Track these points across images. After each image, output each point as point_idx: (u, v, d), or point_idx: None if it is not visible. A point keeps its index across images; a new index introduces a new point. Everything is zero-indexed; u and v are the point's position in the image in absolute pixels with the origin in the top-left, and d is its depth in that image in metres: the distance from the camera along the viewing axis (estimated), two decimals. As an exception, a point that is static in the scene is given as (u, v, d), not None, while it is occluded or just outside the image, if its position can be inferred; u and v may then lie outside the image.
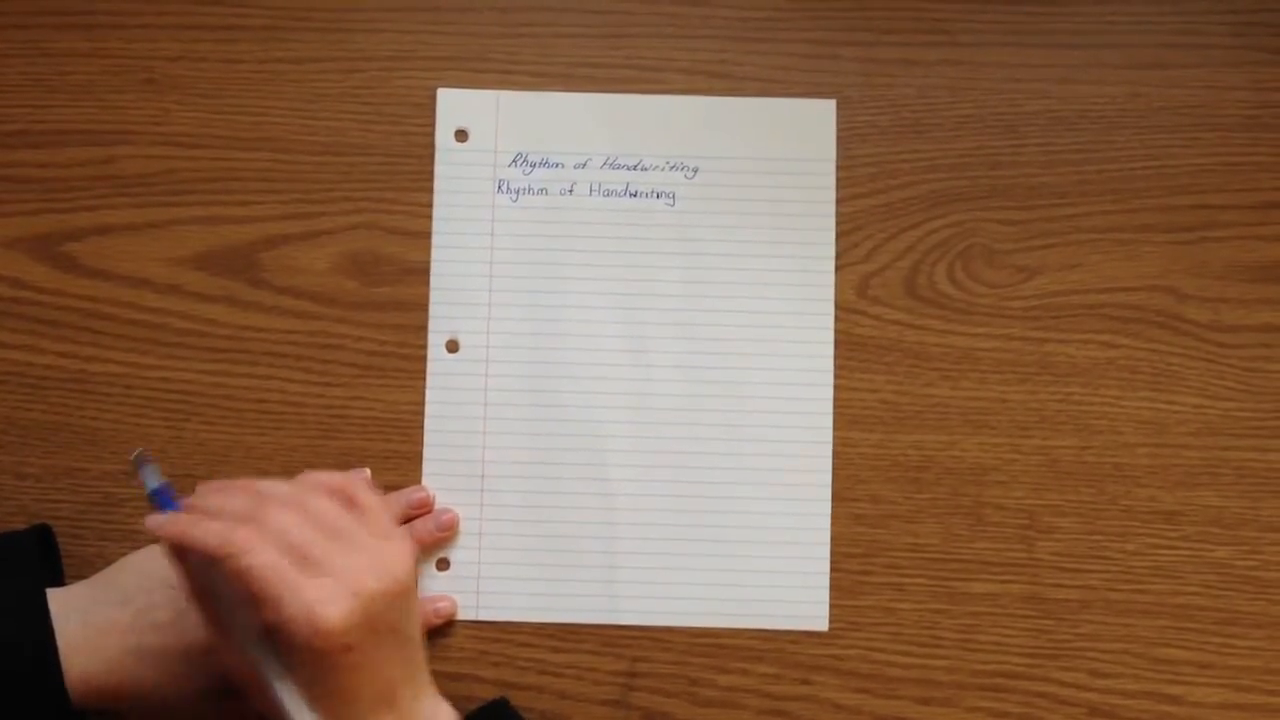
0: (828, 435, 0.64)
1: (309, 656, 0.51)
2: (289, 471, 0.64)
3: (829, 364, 0.65)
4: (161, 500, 0.56)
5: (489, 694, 0.63)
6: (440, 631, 0.64)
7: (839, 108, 0.66)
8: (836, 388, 0.65)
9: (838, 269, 0.65)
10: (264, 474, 0.64)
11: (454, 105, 0.67)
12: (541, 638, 0.64)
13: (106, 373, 0.66)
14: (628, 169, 0.67)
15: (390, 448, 0.65)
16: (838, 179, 0.66)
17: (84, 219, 0.66)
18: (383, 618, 0.53)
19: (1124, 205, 0.65)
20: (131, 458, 0.59)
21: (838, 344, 0.65)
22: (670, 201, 0.67)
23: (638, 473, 0.65)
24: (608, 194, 0.67)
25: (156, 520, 0.53)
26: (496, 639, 0.64)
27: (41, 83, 0.67)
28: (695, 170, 0.67)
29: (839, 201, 0.66)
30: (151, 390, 0.65)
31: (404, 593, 0.54)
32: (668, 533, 0.64)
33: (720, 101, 0.67)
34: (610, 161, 0.67)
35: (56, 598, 0.59)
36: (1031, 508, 0.64)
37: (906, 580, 0.64)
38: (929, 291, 0.65)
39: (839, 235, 0.66)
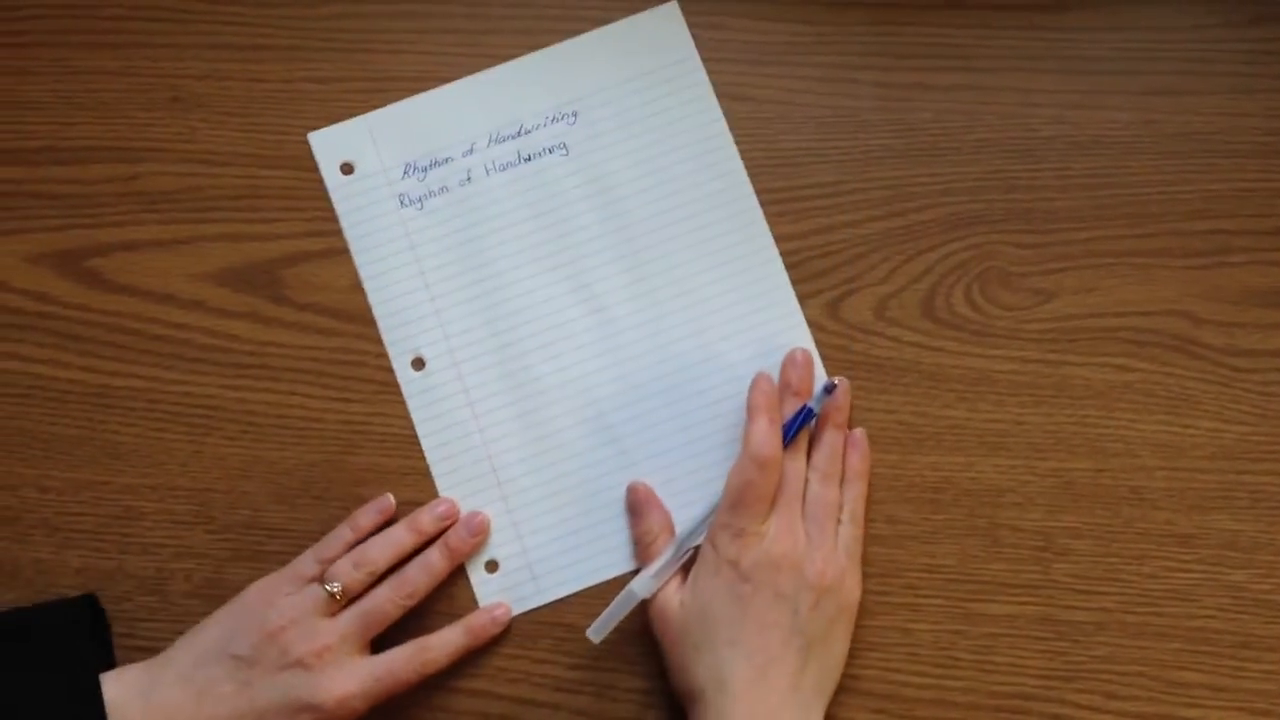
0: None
1: (713, 553, 0.60)
2: (309, 488, 0.65)
3: (775, 256, 0.66)
4: (805, 410, 0.63)
5: (505, 711, 0.63)
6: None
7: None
8: (854, 408, 0.65)
9: (856, 290, 0.66)
10: (284, 489, 0.65)
11: (329, 143, 0.68)
12: (559, 655, 0.64)
13: (129, 387, 0.66)
14: (513, 138, 0.68)
15: (409, 464, 0.65)
16: (839, 205, 0.67)
17: (109, 235, 0.67)
18: (784, 593, 0.59)
19: (1139, 230, 0.66)
20: (826, 383, 0.64)
21: (856, 365, 0.66)
22: (564, 152, 0.67)
23: (633, 409, 0.66)
24: (503, 168, 0.67)
25: (765, 377, 0.63)
26: (515, 655, 0.64)
27: (69, 100, 0.68)
28: (575, 114, 0.67)
29: (857, 224, 0.66)
30: (174, 405, 0.66)
31: (818, 594, 0.59)
32: (680, 464, 0.65)
33: (568, 45, 0.68)
34: (494, 137, 0.68)
35: (112, 684, 0.59)
36: (1047, 529, 0.64)
37: (923, 601, 0.64)
38: (946, 313, 0.66)
39: (858, 257, 0.66)
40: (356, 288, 0.67)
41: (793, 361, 0.64)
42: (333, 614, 0.61)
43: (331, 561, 0.62)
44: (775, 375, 0.65)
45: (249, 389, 0.66)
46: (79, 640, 0.60)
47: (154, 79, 0.68)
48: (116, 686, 0.58)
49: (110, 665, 0.62)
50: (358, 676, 0.60)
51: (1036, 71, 0.67)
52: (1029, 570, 0.64)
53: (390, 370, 0.66)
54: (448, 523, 0.64)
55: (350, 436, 0.66)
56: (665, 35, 0.68)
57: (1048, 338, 0.65)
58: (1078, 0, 0.68)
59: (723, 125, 0.67)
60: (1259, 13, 0.67)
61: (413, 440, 0.66)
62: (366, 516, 0.64)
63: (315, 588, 0.61)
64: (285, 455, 0.66)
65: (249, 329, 0.66)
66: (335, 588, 0.61)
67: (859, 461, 0.64)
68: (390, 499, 0.65)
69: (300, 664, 0.59)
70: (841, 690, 0.62)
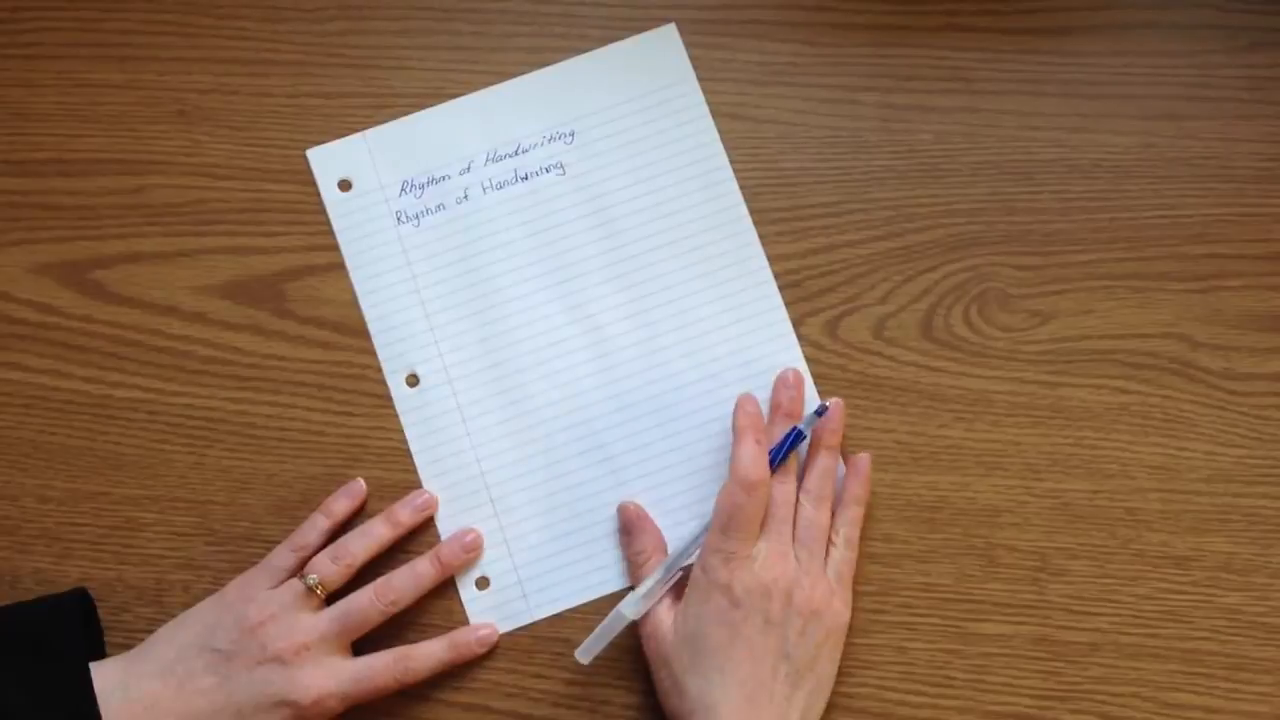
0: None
1: (704, 578, 0.60)
2: (308, 501, 0.65)
3: (769, 278, 0.66)
4: (794, 432, 0.63)
5: (501, 725, 0.64)
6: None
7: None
8: (851, 428, 0.65)
9: (855, 310, 0.66)
10: (284, 502, 0.65)
11: (327, 160, 0.68)
12: (554, 670, 0.64)
13: (130, 398, 0.66)
14: (510, 156, 0.68)
15: (409, 478, 0.66)
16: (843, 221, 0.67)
17: (113, 246, 0.67)
18: (774, 619, 0.59)
19: (1138, 253, 0.66)
20: (817, 406, 0.64)
21: (853, 384, 0.66)
22: (561, 171, 0.68)
23: (626, 428, 0.66)
24: (500, 186, 0.68)
25: (749, 399, 0.63)
26: (510, 670, 0.64)
27: (75, 113, 0.68)
28: (572, 134, 0.68)
29: (857, 244, 0.67)
30: (175, 416, 0.66)
31: (805, 619, 0.59)
32: (672, 484, 0.65)
33: (565, 65, 0.68)
34: (491, 155, 0.68)
35: (96, 675, 0.59)
36: (1043, 550, 0.64)
37: (918, 620, 0.64)
38: (945, 334, 0.66)
39: (858, 277, 0.67)
40: (358, 303, 0.67)
41: (784, 382, 0.65)
42: (313, 608, 0.61)
43: (307, 549, 0.63)
44: (767, 396, 0.65)
45: (250, 402, 0.66)
46: (70, 632, 0.61)
47: (160, 92, 0.69)
48: (97, 677, 0.59)
49: (101, 658, 0.62)
50: (336, 676, 0.60)
51: (1037, 95, 0.68)
52: (1025, 590, 0.64)
53: (389, 385, 0.66)
54: (425, 514, 0.65)
55: (350, 450, 0.66)
56: (663, 56, 0.68)
57: (1045, 359, 0.66)
58: (1079, 25, 0.68)
59: (719, 146, 0.67)
60: (1258, 39, 0.68)
61: (411, 455, 0.66)
62: (339, 502, 0.64)
63: (294, 582, 0.62)
64: (285, 468, 0.66)
65: (251, 342, 0.67)
66: (314, 580, 0.61)
67: (857, 486, 0.64)
68: (361, 483, 0.65)
69: (278, 659, 0.59)
70: (835, 709, 0.62)
